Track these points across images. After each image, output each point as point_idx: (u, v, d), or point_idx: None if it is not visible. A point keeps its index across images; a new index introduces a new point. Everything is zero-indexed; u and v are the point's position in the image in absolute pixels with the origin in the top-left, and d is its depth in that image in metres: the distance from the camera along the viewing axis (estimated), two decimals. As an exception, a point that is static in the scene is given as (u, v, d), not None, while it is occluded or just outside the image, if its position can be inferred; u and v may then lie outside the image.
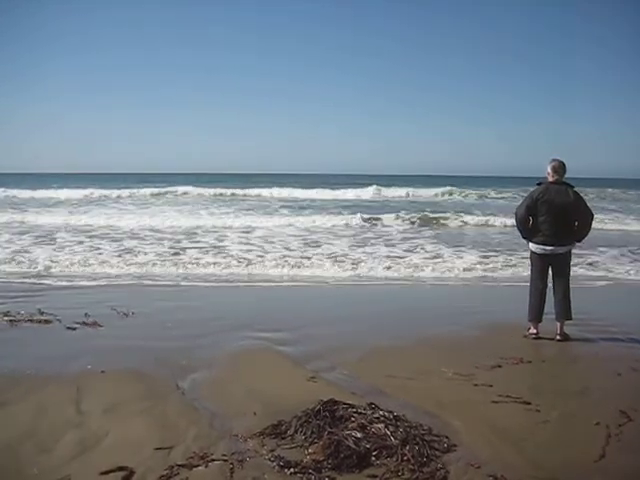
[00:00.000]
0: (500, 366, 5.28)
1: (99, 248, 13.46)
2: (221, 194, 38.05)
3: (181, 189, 39.45)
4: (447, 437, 3.72)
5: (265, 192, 37.93)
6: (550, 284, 6.34)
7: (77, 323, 6.62)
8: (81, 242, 14.46)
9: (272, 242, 15.01)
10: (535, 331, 6.30)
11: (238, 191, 38.72)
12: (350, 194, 37.61)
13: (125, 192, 36.30)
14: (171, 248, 13.61)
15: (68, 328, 6.47)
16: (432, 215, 22.80)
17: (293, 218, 21.46)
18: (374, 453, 3.44)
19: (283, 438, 3.69)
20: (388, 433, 3.62)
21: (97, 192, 35.65)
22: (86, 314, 6.97)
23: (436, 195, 39.73)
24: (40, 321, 6.73)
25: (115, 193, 35.59)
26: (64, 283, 9.38)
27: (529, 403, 4.37)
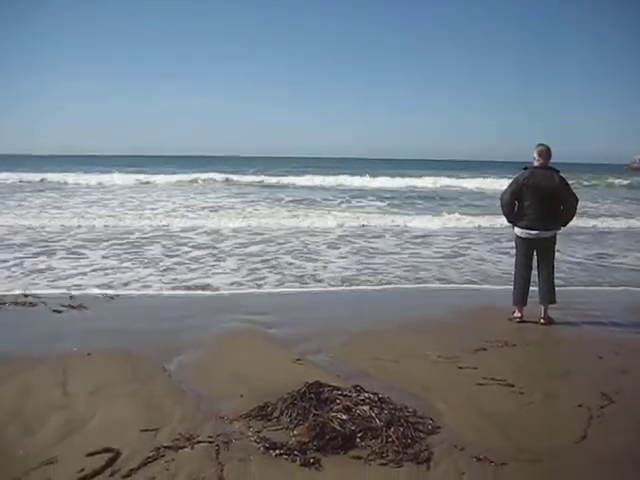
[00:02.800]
0: (485, 349, 5.32)
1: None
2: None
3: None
4: (432, 419, 3.75)
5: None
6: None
7: (63, 306, 6.59)
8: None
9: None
10: (520, 315, 6.35)
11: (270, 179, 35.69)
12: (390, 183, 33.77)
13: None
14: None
15: (54, 311, 6.43)
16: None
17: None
18: (359, 435, 3.47)
19: (269, 420, 3.71)
20: (373, 415, 3.65)
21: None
22: (71, 297, 6.93)
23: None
24: (25, 304, 6.69)
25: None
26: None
27: (513, 385, 4.42)
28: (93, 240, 12.04)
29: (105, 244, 11.59)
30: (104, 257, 10.24)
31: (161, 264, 9.63)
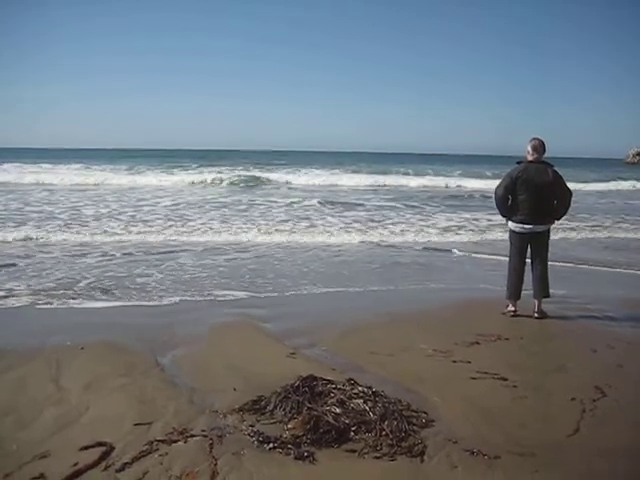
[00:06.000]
0: (479, 343, 5.33)
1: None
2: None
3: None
4: (425, 413, 3.76)
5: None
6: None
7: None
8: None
9: None
10: (513, 309, 6.36)
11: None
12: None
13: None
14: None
15: (46, 304, 6.42)
16: None
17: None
18: (353, 428, 3.47)
19: (263, 414, 3.70)
20: (367, 409, 3.65)
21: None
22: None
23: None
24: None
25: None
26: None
27: (506, 379, 4.43)
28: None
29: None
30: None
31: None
